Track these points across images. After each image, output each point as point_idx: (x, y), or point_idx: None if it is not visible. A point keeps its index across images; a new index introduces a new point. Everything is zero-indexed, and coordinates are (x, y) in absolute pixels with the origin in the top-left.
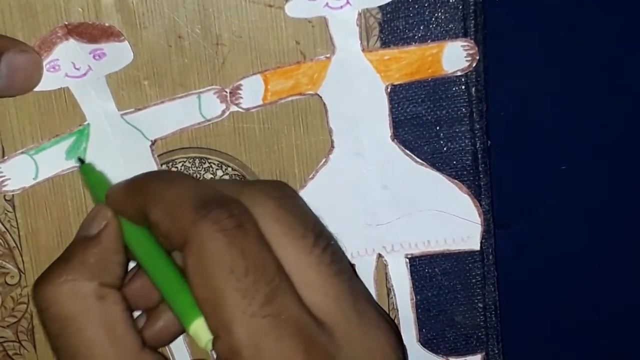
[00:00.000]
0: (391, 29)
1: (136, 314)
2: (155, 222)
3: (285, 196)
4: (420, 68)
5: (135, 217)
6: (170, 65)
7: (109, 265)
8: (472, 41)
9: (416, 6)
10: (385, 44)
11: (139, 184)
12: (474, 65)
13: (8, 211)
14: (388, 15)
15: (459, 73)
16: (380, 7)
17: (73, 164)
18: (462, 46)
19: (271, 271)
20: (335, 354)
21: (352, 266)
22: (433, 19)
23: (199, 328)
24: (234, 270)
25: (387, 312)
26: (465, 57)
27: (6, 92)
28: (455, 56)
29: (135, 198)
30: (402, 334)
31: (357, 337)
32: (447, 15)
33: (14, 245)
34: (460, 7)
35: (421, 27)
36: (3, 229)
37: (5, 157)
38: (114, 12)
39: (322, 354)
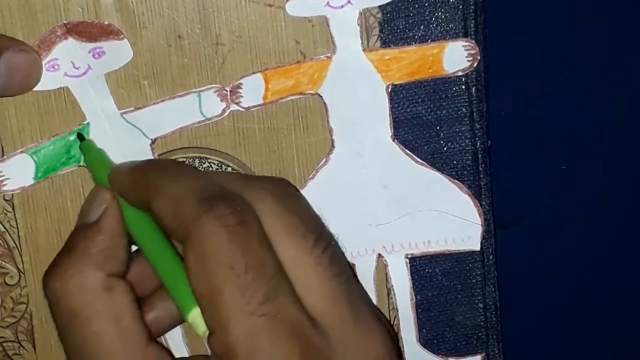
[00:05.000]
0: (391, 28)
1: None
2: (158, 214)
3: (288, 194)
4: (421, 68)
5: (138, 204)
6: (170, 64)
7: (113, 252)
8: (473, 41)
9: (416, 6)
10: (385, 43)
11: (144, 172)
12: (475, 65)
13: (7, 211)
14: (388, 15)
15: (459, 73)
16: (380, 6)
17: (73, 164)
18: (463, 46)
19: (271, 270)
20: (330, 356)
21: (352, 267)
22: (433, 19)
23: (198, 316)
24: (234, 267)
25: (387, 312)
26: (466, 57)
27: (5, 92)
28: (456, 56)
29: (139, 186)
30: (402, 334)
31: (352, 339)
32: (447, 14)
33: (14, 245)
34: (461, 6)
35: (421, 27)
36: (2, 229)
37: (5, 157)
38: (113, 11)
39: (317, 356)
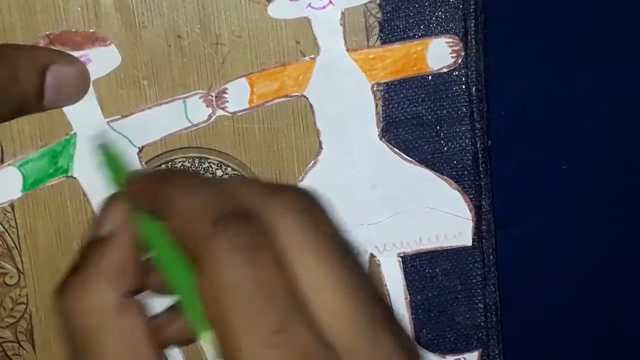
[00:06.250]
0: (391, 28)
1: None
2: (172, 232)
3: (310, 208)
4: (405, 66)
5: (153, 214)
6: (170, 64)
7: (127, 269)
8: (457, 37)
9: (417, 5)
10: (385, 43)
11: (157, 184)
12: (459, 61)
13: (7, 211)
14: (388, 15)
15: (444, 70)
16: (380, 6)
17: (60, 174)
18: (446, 42)
19: (285, 297)
20: None
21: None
22: (433, 18)
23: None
24: (245, 295)
25: None
26: (450, 53)
27: (55, 105)
28: (439, 53)
29: (154, 198)
30: None
31: None
32: (447, 14)
33: (13, 245)
34: (461, 6)
35: (421, 27)
36: (2, 229)
37: None
38: (113, 11)
39: None
